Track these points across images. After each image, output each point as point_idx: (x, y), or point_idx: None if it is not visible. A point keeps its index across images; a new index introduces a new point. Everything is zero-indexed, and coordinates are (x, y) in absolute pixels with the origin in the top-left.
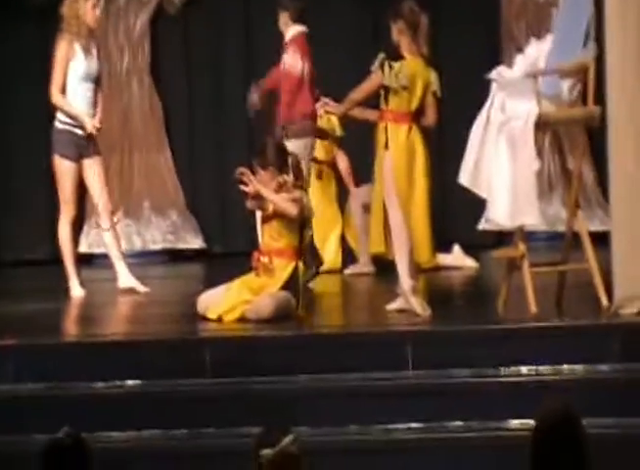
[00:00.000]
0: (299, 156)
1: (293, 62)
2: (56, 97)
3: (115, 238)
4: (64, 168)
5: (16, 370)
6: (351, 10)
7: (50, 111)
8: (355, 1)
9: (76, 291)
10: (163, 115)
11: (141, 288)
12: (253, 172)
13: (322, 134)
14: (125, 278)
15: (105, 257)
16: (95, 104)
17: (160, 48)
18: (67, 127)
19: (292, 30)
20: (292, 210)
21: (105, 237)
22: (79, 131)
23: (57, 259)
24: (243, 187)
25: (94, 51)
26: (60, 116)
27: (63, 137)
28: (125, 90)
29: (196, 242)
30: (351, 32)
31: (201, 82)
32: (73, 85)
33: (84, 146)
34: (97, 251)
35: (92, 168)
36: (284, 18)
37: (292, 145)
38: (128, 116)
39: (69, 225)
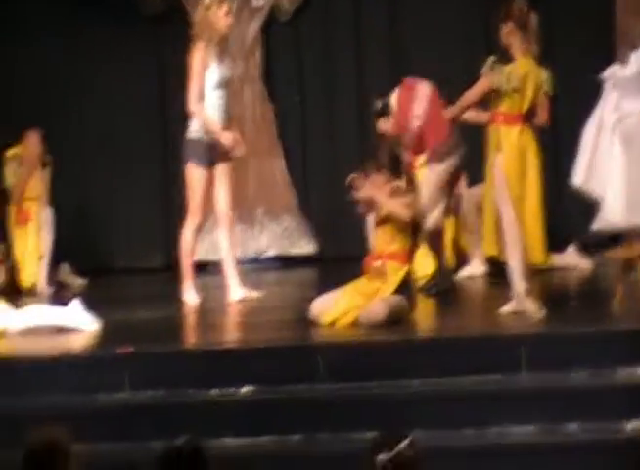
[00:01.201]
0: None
1: None
2: (195, 106)
3: (232, 246)
4: (197, 177)
5: (132, 378)
6: (462, 11)
7: (167, 120)
8: (465, 2)
9: (192, 298)
10: (276, 121)
11: (253, 294)
12: (366, 176)
13: None
14: (235, 291)
15: (219, 264)
16: (228, 111)
17: (272, 55)
18: (200, 136)
19: None
20: (404, 213)
21: (222, 244)
22: (212, 139)
23: (170, 267)
24: (355, 192)
25: (226, 57)
26: (193, 124)
27: (196, 146)
28: (238, 97)
29: (309, 247)
30: (462, 34)
31: (313, 88)
32: (207, 93)
33: (216, 153)
34: (212, 258)
35: (221, 175)
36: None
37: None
38: (242, 122)
39: (194, 232)
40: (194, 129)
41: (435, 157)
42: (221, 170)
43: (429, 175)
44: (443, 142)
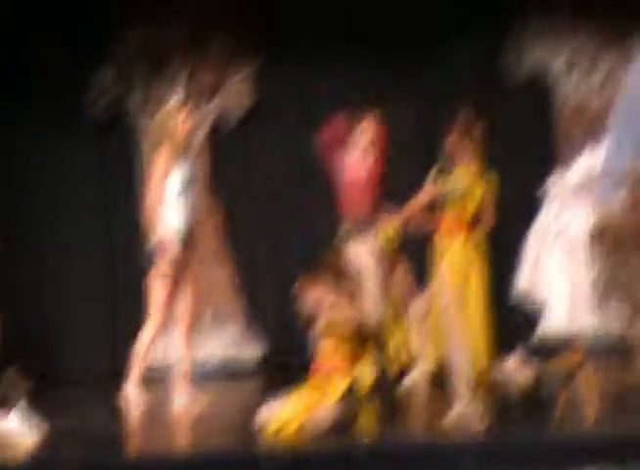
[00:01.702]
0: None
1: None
2: (152, 213)
3: (187, 353)
4: (158, 283)
5: None
6: (406, 116)
7: (109, 226)
8: (410, 109)
9: (134, 398)
10: (223, 226)
11: (198, 401)
12: (312, 284)
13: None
14: (180, 398)
15: (166, 368)
16: (194, 216)
17: (220, 159)
18: (165, 239)
19: None
20: (349, 323)
21: (177, 349)
22: (178, 242)
23: (115, 373)
24: (301, 301)
25: (189, 159)
26: (154, 232)
27: (157, 252)
28: None
29: (254, 354)
30: (407, 142)
31: (258, 194)
32: (171, 199)
33: (178, 261)
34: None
35: (185, 281)
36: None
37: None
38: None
39: (152, 337)
40: (155, 236)
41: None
42: (185, 277)
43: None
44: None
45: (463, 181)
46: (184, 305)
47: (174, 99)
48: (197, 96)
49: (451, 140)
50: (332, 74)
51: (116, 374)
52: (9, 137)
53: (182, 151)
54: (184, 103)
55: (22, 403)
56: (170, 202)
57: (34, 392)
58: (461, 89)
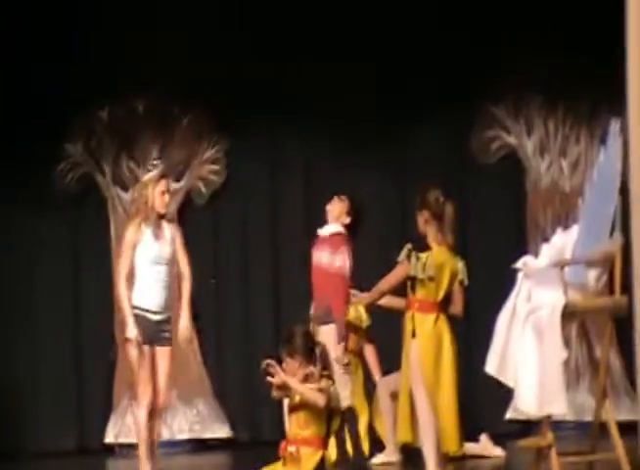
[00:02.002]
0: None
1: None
2: (120, 285)
3: (156, 431)
4: (136, 354)
5: None
6: (379, 192)
7: (79, 298)
8: (381, 184)
9: None
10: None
11: None
12: (280, 361)
13: (348, 325)
14: None
15: (131, 446)
16: (169, 287)
17: (189, 236)
18: (138, 312)
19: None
20: (319, 400)
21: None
22: (152, 316)
23: (82, 451)
24: (269, 378)
25: (166, 234)
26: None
27: (137, 322)
28: None
29: (222, 431)
30: (378, 222)
31: (227, 271)
32: (143, 269)
33: (155, 331)
34: (123, 440)
35: (160, 357)
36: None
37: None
38: None
39: (147, 413)
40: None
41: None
42: (160, 353)
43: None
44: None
45: (434, 262)
46: (159, 382)
47: (152, 171)
48: (167, 172)
49: (422, 220)
50: (301, 151)
51: (83, 453)
52: None
53: (157, 222)
54: (163, 175)
55: None
56: (147, 273)
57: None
58: (432, 169)
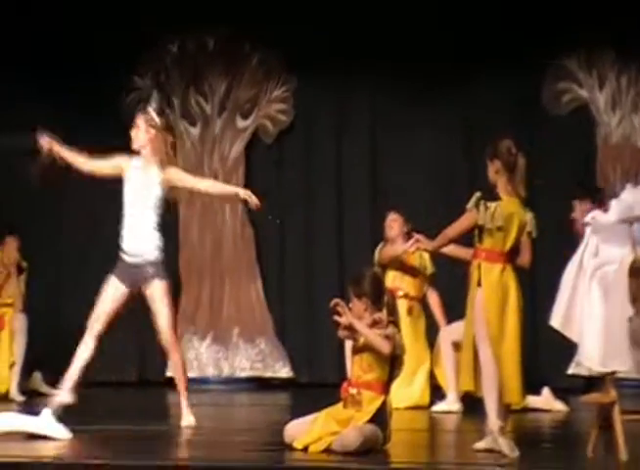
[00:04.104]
0: None
1: None
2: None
3: (177, 369)
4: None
5: None
6: (447, 146)
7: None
8: (450, 137)
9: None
10: (255, 243)
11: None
12: (348, 302)
13: (412, 271)
14: (186, 417)
15: (193, 381)
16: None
17: (254, 175)
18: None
19: None
20: (384, 346)
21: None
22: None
23: (143, 381)
24: (336, 317)
25: (152, 178)
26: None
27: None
28: (219, 217)
29: (283, 371)
30: (446, 168)
31: (293, 210)
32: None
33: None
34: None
35: (152, 299)
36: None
37: None
38: (220, 243)
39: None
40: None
41: None
42: (150, 293)
43: None
44: None
45: (503, 212)
46: (160, 322)
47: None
48: (233, 111)
49: (493, 170)
50: (368, 93)
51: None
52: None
53: (145, 160)
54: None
55: (48, 408)
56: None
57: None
58: (503, 120)
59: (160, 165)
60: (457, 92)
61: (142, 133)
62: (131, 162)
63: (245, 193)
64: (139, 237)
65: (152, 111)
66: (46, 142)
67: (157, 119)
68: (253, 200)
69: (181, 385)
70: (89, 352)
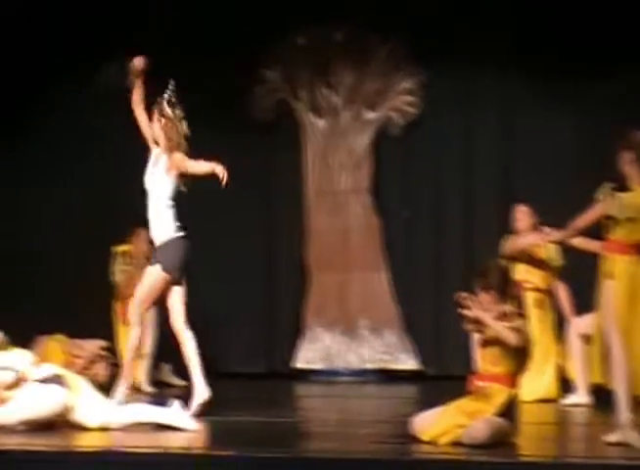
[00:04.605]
0: None
1: None
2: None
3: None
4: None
5: None
6: (575, 135)
7: (270, 224)
8: (581, 126)
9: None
10: (382, 234)
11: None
12: (474, 294)
13: (540, 263)
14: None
15: (320, 373)
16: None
17: (381, 167)
18: None
19: None
20: (512, 338)
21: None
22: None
23: (272, 373)
24: (463, 310)
25: (159, 168)
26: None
27: None
28: (345, 209)
29: (410, 363)
30: (574, 158)
31: (420, 203)
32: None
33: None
34: (313, 366)
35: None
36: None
37: None
38: (347, 234)
39: None
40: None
41: None
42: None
43: None
44: None
45: (634, 203)
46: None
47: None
48: (360, 103)
49: (626, 160)
50: (498, 86)
51: (274, 375)
52: None
53: (158, 151)
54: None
55: (177, 399)
56: None
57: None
58: (633, 107)
59: (169, 154)
60: (587, 78)
61: (156, 124)
62: (153, 150)
63: (220, 170)
64: (152, 224)
65: (164, 100)
66: (141, 63)
67: (167, 109)
68: (224, 178)
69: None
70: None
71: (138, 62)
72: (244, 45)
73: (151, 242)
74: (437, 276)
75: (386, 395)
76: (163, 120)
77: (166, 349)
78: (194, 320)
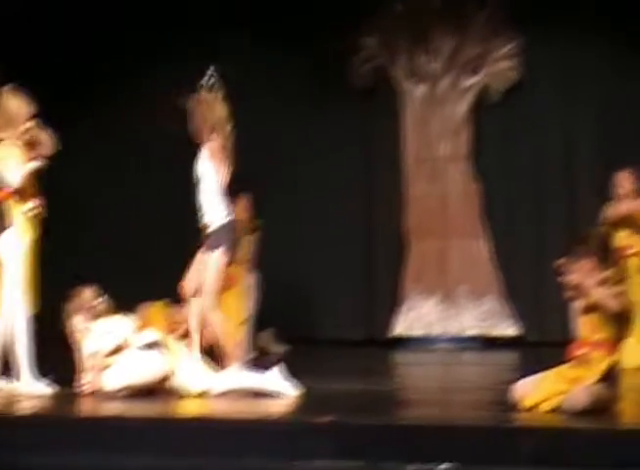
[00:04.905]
0: None
1: None
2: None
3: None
4: None
5: (330, 447)
6: None
7: (370, 190)
8: None
9: None
10: (481, 201)
11: None
12: (575, 261)
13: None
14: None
15: (419, 340)
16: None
17: (480, 134)
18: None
19: None
20: (612, 304)
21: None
22: None
23: (371, 341)
24: (563, 277)
25: (200, 152)
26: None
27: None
28: (444, 176)
29: (511, 329)
30: None
31: (521, 170)
32: None
33: None
34: (412, 333)
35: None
36: None
37: None
38: (446, 201)
39: None
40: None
41: None
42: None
43: None
44: None
45: None
46: None
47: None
48: (459, 69)
49: None
50: (597, 50)
51: (372, 341)
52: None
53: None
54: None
55: (278, 365)
56: None
57: (291, 353)
58: None
59: (206, 138)
60: None
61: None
62: None
63: None
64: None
65: (204, 85)
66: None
67: (205, 92)
68: None
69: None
70: None
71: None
72: (342, 13)
73: (250, 208)
74: (538, 242)
75: (485, 362)
76: (201, 103)
77: (267, 315)
78: (296, 286)
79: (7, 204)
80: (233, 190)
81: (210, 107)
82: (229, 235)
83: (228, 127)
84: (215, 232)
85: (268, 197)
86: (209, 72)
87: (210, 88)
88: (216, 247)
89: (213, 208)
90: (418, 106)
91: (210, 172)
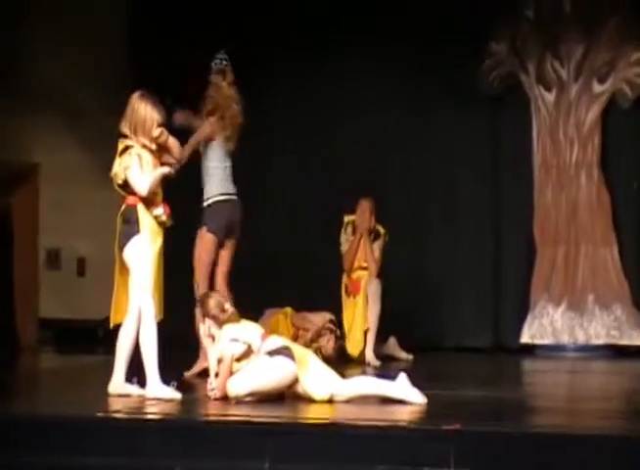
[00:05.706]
0: None
1: None
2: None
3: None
4: None
5: (457, 455)
6: None
7: (497, 195)
8: None
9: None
10: (612, 208)
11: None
12: None
13: None
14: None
15: (547, 348)
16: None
17: (611, 141)
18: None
19: None
20: None
21: None
22: None
23: (498, 347)
24: None
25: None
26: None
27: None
28: (574, 183)
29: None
30: None
31: None
32: (216, 166)
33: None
34: (540, 341)
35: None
36: None
37: None
38: (576, 208)
39: None
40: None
41: None
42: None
43: None
44: None
45: None
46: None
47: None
48: (589, 75)
49: None
50: None
51: (499, 349)
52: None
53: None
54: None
55: (404, 372)
56: (217, 169)
57: (418, 360)
58: None
59: (206, 118)
60: None
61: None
62: None
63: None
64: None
65: (213, 68)
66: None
67: (214, 75)
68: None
69: None
70: None
71: (178, 119)
72: (472, 18)
73: (373, 213)
74: None
75: (614, 370)
76: (210, 85)
77: (392, 323)
78: (422, 292)
79: (136, 210)
80: (356, 194)
81: (219, 88)
82: (214, 215)
83: (235, 107)
84: (204, 211)
85: (395, 202)
86: (220, 55)
87: (220, 71)
88: (203, 225)
89: (208, 186)
90: (547, 112)
91: (206, 151)
